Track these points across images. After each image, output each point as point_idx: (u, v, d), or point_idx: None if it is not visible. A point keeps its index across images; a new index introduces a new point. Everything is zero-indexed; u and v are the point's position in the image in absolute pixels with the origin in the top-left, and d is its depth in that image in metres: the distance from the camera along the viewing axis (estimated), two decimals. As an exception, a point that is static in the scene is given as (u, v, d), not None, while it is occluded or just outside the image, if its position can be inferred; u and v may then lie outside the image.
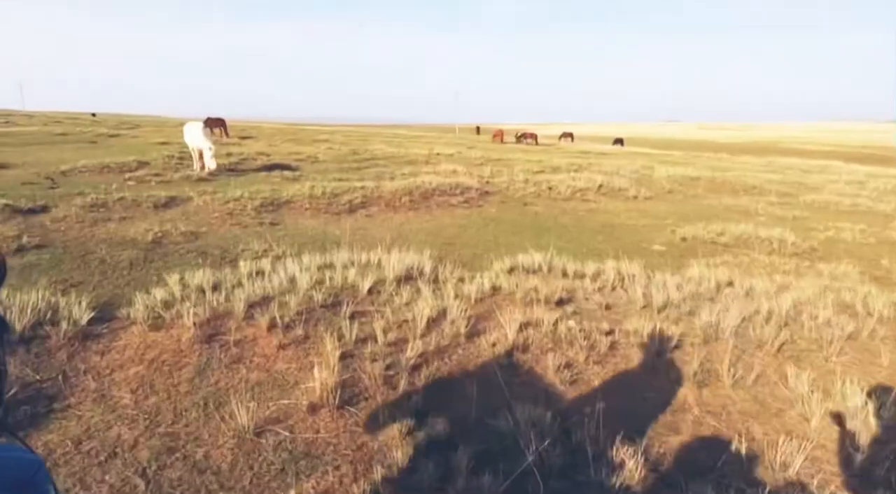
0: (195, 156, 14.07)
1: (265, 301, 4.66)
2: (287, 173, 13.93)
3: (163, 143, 22.22)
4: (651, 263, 7.21)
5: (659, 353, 4.08)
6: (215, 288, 5.00)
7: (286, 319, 4.20)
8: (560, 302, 5.02)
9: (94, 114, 64.71)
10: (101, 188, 10.68)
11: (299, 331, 4.08)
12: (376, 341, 4.01)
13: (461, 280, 5.75)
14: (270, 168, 15.25)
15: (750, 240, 8.61)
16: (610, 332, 4.34)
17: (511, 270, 6.36)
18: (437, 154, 23.00)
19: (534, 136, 49.22)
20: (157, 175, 13.04)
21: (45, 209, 8.69)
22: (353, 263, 6.25)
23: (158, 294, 4.57)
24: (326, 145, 26.33)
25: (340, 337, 3.98)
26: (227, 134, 32.18)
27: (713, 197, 14.23)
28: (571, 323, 4.45)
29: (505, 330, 4.24)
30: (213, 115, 33.73)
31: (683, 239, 8.72)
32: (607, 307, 5.04)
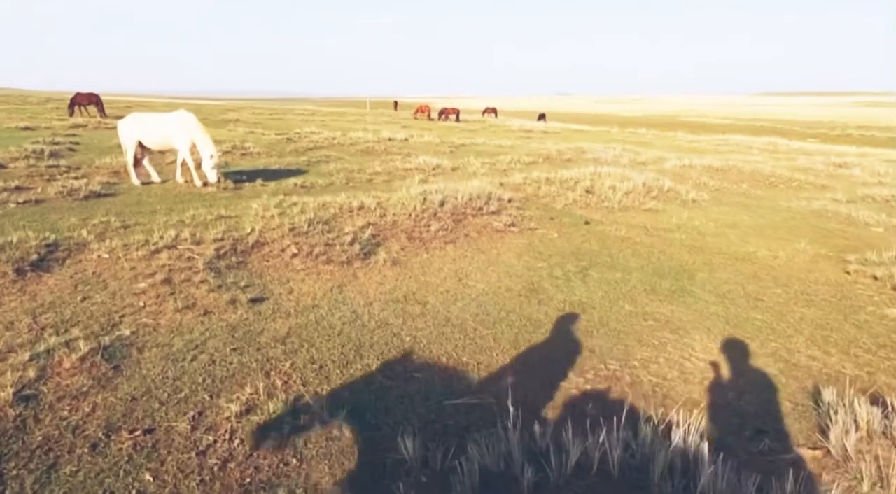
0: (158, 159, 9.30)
1: None
2: (226, 181, 9.61)
3: (26, 129, 16.58)
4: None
5: None
6: None
7: None
8: None
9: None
10: (-90, 227, 6.10)
11: None
12: None
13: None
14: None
15: None
16: None
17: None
18: (389, 139, 19.05)
19: (455, 112, 45.93)
20: (18, 188, 8.38)
21: None
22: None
23: None
24: (245, 128, 21.47)
25: None
26: (103, 113, 26.05)
27: (777, 195, 11.67)
28: None
29: None
30: (83, 90, 27.13)
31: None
32: None
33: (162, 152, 10.23)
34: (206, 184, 9.29)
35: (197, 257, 5.60)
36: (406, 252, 6.55)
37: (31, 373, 3.43)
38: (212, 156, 8.82)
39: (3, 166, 9.90)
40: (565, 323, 4.79)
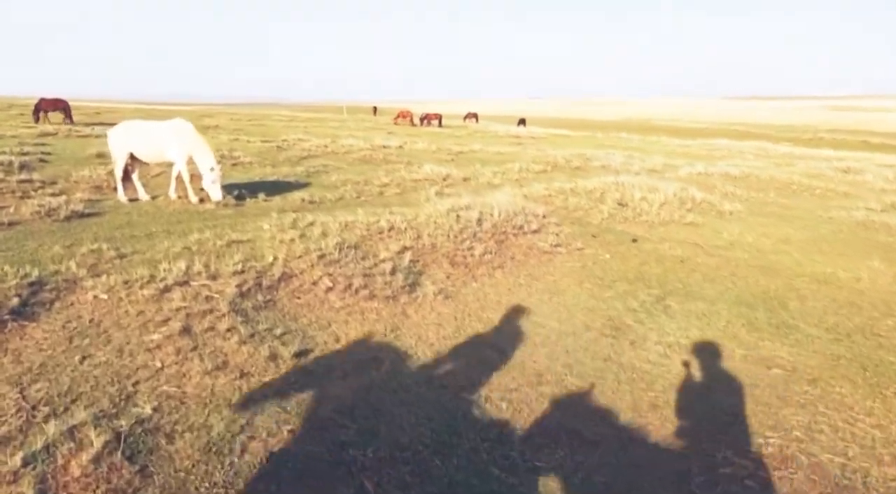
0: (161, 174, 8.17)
1: None
2: (226, 197, 8.56)
3: (-14, 138, 15.14)
4: None
5: None
6: None
7: None
8: None
9: None
10: None
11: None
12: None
13: None
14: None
15: None
16: None
17: None
18: (383, 146, 18.11)
19: (438, 117, 45.15)
20: (-15, 208, 7.24)
21: None
22: None
23: None
24: (227, 135, 20.26)
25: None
26: (70, 119, 24.50)
27: (807, 205, 11.11)
28: None
29: None
30: (48, 95, 25.45)
31: None
32: None
33: (146, 164, 9.15)
34: (202, 200, 8.27)
35: (216, 296, 4.64)
36: (453, 281, 5.68)
37: (28, 489, 2.45)
38: (212, 170, 7.80)
39: (-33, 181, 8.69)
40: (678, 375, 3.98)
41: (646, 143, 30.99)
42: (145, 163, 8.49)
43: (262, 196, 8.98)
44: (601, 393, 3.67)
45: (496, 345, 4.32)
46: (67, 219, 7.01)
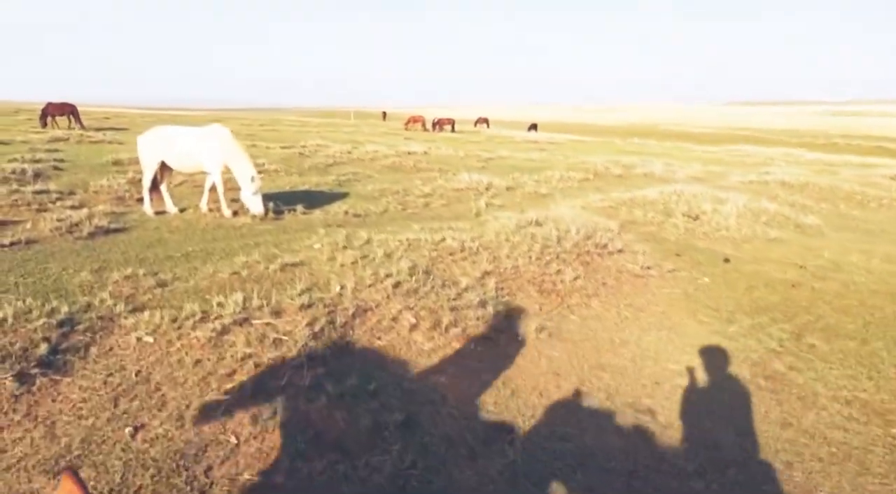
0: (210, 187, 7.31)
1: None
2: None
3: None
4: None
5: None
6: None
7: None
8: None
9: None
10: None
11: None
12: None
13: None
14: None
15: None
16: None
17: None
18: (408, 153, 17.29)
19: (451, 122, 44.39)
20: (2, 224, 6.43)
21: None
22: None
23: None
24: (245, 141, 19.33)
25: None
26: (81, 124, 23.74)
27: (882, 218, 10.23)
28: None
29: None
30: (56, 100, 24.68)
31: None
32: None
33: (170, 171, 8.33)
34: (235, 213, 7.45)
35: (285, 339, 3.78)
36: (548, 313, 4.83)
37: None
38: (252, 179, 6.98)
39: (-24, 192, 7.86)
40: (889, 448, 3.10)
41: (668, 149, 30.15)
42: (172, 172, 7.66)
43: (300, 208, 8.14)
44: (808, 481, 2.81)
45: (640, 405, 3.46)
46: (91, 235, 6.19)
